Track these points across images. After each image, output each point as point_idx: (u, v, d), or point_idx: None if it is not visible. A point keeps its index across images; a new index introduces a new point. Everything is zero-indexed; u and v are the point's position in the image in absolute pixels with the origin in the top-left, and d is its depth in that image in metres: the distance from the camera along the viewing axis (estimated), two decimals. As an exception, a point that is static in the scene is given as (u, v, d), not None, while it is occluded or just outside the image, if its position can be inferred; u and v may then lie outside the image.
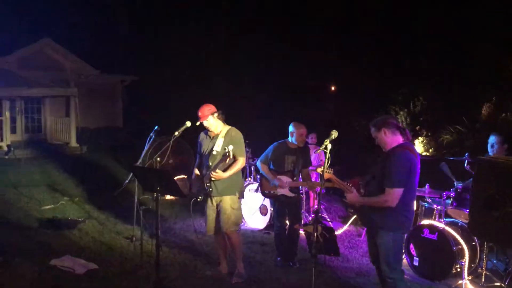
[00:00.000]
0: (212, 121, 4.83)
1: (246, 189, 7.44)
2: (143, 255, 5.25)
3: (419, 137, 11.25)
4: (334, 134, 3.91)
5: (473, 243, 5.33)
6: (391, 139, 3.81)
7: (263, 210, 7.18)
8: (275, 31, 15.22)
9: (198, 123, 4.86)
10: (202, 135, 5.07)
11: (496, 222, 2.24)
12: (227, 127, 4.93)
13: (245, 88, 14.50)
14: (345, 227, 7.33)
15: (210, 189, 4.80)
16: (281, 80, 14.96)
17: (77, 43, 15.21)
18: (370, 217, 3.87)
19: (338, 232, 7.13)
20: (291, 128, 5.51)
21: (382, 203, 3.67)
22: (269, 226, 6.90)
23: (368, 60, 14.18)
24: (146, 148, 5.21)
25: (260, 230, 7.06)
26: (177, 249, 6.03)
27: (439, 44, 12.56)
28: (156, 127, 5.20)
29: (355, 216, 7.16)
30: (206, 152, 4.91)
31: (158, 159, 4.80)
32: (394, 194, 3.61)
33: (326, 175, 4.07)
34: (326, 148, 3.82)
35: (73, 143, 13.94)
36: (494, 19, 11.01)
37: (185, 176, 8.76)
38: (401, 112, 11.96)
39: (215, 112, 4.86)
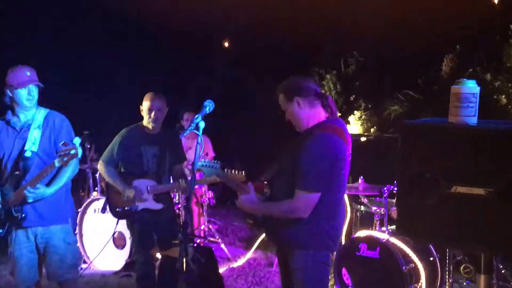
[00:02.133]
0: (30, 96, 4.63)
1: (89, 210, 7.35)
2: None
3: (355, 111, 11.68)
4: (209, 105, 4.03)
5: (431, 258, 5.73)
6: (308, 113, 3.91)
7: (118, 241, 7.12)
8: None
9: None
10: None
11: (430, 212, 2.45)
12: (43, 111, 4.77)
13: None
14: (249, 254, 7.50)
15: (23, 215, 4.66)
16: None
17: None
18: (278, 231, 3.98)
19: (239, 262, 7.33)
20: (143, 102, 5.55)
21: (290, 213, 3.76)
22: (129, 265, 6.86)
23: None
24: None
25: (116, 273, 7.01)
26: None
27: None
28: None
29: (262, 237, 7.35)
30: (10, 154, 4.69)
31: None
32: (307, 201, 3.70)
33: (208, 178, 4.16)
34: (197, 127, 3.91)
35: None
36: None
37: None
38: (328, 76, 12.32)
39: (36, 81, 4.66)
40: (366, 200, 6.21)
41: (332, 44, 12.79)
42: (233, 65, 13.83)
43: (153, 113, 5.48)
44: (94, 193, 7.69)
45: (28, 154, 4.62)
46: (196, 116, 4.00)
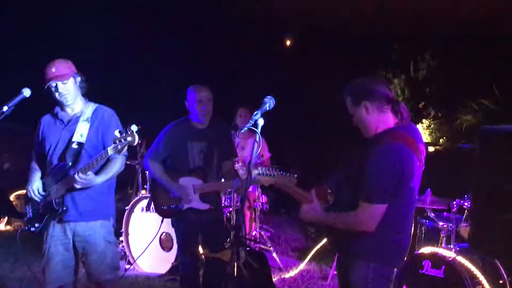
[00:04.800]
0: (72, 88, 4.74)
1: (137, 208, 7.47)
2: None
3: (424, 120, 11.55)
4: (270, 102, 3.99)
5: (501, 281, 5.59)
6: (377, 119, 3.87)
7: (165, 243, 7.20)
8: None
9: (55, 86, 4.65)
10: (46, 118, 4.96)
11: (507, 227, 2.37)
12: (93, 105, 4.89)
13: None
14: (302, 265, 7.48)
15: (64, 208, 4.74)
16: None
17: None
18: (341, 239, 3.95)
19: (291, 273, 7.31)
20: (188, 95, 5.56)
21: (354, 225, 3.74)
22: (175, 268, 6.91)
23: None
24: None
25: (162, 276, 7.09)
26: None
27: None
28: None
29: (317, 248, 7.32)
30: (56, 146, 4.81)
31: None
32: (372, 213, 3.67)
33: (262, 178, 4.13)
34: (255, 125, 3.88)
35: None
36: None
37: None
38: (396, 80, 12.20)
39: (78, 74, 4.77)
40: (432, 214, 6.09)
41: (402, 45, 12.66)
42: (294, 64, 13.88)
43: (203, 105, 5.46)
44: (143, 191, 7.79)
45: (75, 146, 4.72)
46: (255, 112, 3.96)
